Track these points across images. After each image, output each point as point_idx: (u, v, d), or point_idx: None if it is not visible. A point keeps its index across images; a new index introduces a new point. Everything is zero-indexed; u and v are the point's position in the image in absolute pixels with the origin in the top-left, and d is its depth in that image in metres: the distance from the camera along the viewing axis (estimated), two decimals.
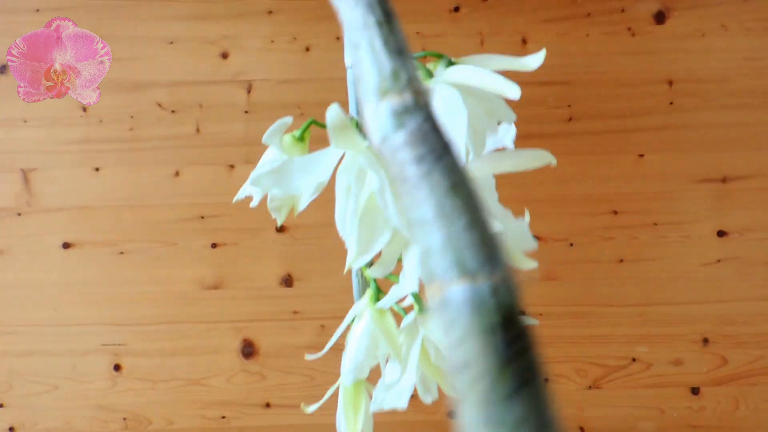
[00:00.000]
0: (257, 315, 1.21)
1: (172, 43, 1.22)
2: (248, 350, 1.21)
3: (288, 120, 0.44)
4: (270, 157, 0.47)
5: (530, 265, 0.44)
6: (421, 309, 0.46)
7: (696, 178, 1.21)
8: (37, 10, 1.21)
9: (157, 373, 1.21)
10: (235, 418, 1.21)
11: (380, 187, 0.40)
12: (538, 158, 0.46)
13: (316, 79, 1.22)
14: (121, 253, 1.21)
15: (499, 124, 0.47)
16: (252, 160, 1.21)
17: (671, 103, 1.22)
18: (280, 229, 1.21)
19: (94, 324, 1.21)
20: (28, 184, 1.21)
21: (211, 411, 1.21)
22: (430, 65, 0.46)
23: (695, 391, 1.21)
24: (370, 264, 0.43)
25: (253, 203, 0.46)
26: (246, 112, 1.21)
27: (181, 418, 1.21)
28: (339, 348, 1.32)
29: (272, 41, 1.22)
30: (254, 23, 1.22)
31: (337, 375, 1.32)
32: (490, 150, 0.48)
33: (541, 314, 1.21)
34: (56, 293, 1.21)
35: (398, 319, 0.47)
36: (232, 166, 1.21)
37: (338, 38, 1.22)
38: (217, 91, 1.21)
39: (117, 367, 1.21)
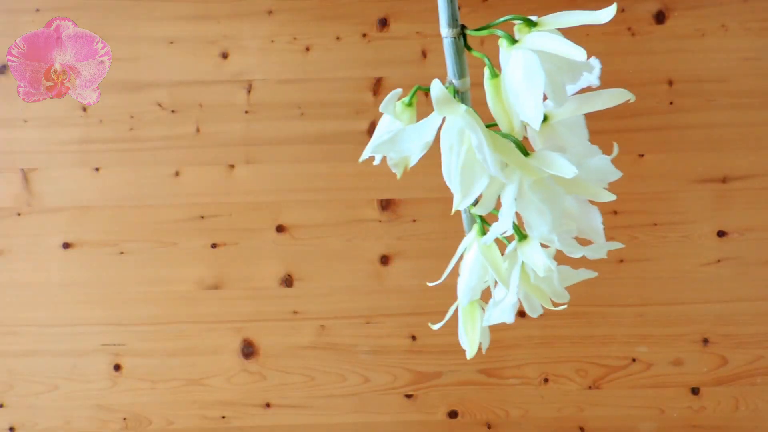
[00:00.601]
0: (257, 315, 1.21)
1: (172, 43, 1.22)
2: (248, 350, 1.21)
3: (398, 91, 0.54)
4: (385, 124, 0.57)
5: (608, 197, 0.53)
6: (521, 238, 0.54)
7: (696, 178, 1.21)
8: (37, 10, 1.21)
9: (157, 373, 1.21)
10: (235, 418, 1.21)
11: (478, 144, 0.48)
12: (618, 96, 0.55)
13: (316, 79, 1.22)
14: (121, 253, 1.21)
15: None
16: (252, 160, 1.21)
17: (671, 103, 1.22)
18: (280, 229, 1.21)
19: (94, 324, 1.21)
20: (28, 184, 1.21)
21: (211, 411, 1.21)
22: (520, 21, 0.52)
23: (695, 391, 1.21)
24: (476, 203, 0.52)
25: (376, 162, 0.57)
26: (246, 112, 1.21)
27: (181, 418, 1.21)
28: (337, 348, 1.33)
29: (272, 41, 1.22)
30: (254, 23, 1.22)
31: (337, 374, 1.32)
32: (575, 91, 0.56)
33: (541, 314, 1.21)
34: (56, 293, 1.21)
35: (502, 246, 0.56)
36: (232, 166, 1.21)
37: (338, 38, 1.22)
38: (217, 91, 1.21)
39: (117, 367, 1.21)
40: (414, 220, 1.21)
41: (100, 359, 1.21)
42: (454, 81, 0.54)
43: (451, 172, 0.50)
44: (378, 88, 1.21)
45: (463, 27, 0.53)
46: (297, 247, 1.21)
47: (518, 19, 0.52)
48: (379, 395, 1.22)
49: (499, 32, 0.51)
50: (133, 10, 1.22)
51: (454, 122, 0.50)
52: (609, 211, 1.21)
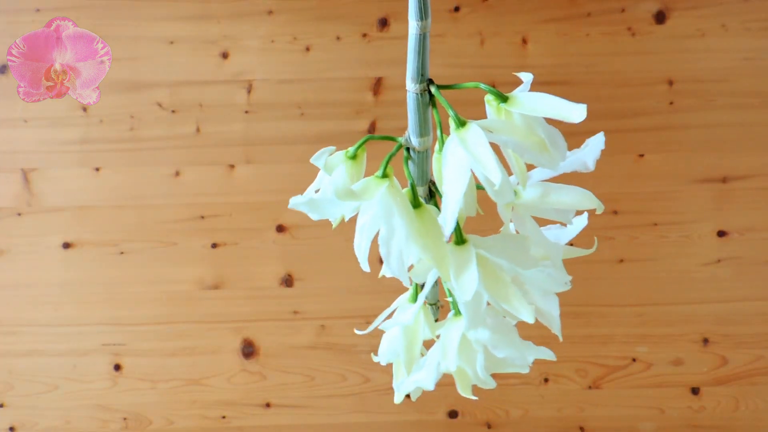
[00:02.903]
0: (257, 315, 1.21)
1: (172, 43, 1.22)
2: (248, 350, 1.21)
3: (331, 148, 0.47)
4: (320, 177, 0.50)
5: (528, 317, 0.45)
6: (456, 313, 0.49)
7: (696, 178, 1.21)
8: (37, 10, 1.21)
9: (157, 373, 1.21)
10: (235, 418, 1.21)
11: (386, 238, 0.43)
12: (585, 200, 0.50)
13: (316, 79, 1.22)
14: (121, 253, 1.21)
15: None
16: (252, 160, 1.21)
17: (671, 103, 1.22)
18: (280, 229, 1.21)
19: (94, 324, 1.21)
20: (28, 184, 1.21)
21: (211, 411, 1.21)
22: (490, 93, 0.46)
23: (695, 391, 1.21)
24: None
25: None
26: (246, 112, 1.21)
27: (181, 418, 1.21)
28: (337, 347, 1.32)
29: (272, 41, 1.22)
30: (254, 23, 1.22)
31: (337, 374, 1.32)
32: (553, 175, 0.50)
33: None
34: (56, 293, 1.21)
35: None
36: (232, 166, 1.21)
37: (338, 38, 1.22)
38: (217, 91, 1.21)
39: (117, 367, 1.21)
40: None
41: (100, 359, 1.21)
42: (412, 138, 0.48)
43: (360, 250, 0.45)
44: (378, 88, 1.21)
45: (429, 82, 0.47)
46: (297, 247, 1.21)
47: (489, 91, 0.46)
48: (379, 395, 1.22)
49: (450, 111, 0.44)
50: (133, 10, 1.22)
51: (369, 206, 0.44)
52: (609, 211, 1.21)
